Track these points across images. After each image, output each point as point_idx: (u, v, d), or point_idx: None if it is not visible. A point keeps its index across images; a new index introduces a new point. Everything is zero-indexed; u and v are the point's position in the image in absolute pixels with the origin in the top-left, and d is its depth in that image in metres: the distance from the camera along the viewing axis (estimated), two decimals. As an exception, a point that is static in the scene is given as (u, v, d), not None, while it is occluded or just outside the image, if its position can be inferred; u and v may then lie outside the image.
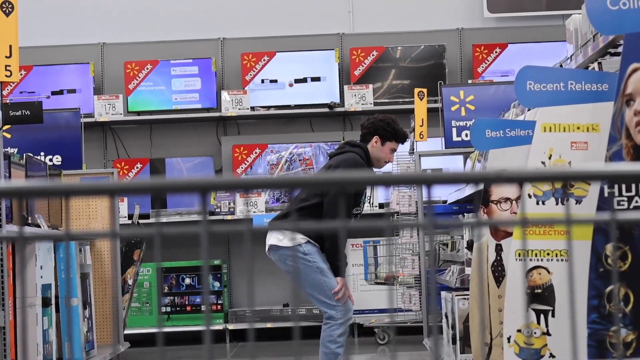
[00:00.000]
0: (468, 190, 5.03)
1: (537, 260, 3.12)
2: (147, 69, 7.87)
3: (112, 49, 8.07)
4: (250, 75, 7.91)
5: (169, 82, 7.89)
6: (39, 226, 5.08)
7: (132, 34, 8.09)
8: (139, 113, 7.91)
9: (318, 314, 6.65)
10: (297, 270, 4.24)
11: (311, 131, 8.04)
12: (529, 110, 3.75)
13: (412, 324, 6.70)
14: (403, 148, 4.97)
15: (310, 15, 8.15)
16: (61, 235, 1.44)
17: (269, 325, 7.35)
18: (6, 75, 4.10)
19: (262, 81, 7.90)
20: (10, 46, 4.11)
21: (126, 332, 6.34)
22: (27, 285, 4.56)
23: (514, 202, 3.64)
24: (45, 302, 4.74)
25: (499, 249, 3.58)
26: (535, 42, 7.87)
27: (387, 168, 4.70)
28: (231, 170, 7.83)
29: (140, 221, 7.00)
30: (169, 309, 7.46)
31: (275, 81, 7.90)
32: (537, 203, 3.14)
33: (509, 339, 3.22)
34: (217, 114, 7.83)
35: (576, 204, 3.04)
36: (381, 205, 7.69)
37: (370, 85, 7.82)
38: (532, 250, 3.11)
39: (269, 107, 7.89)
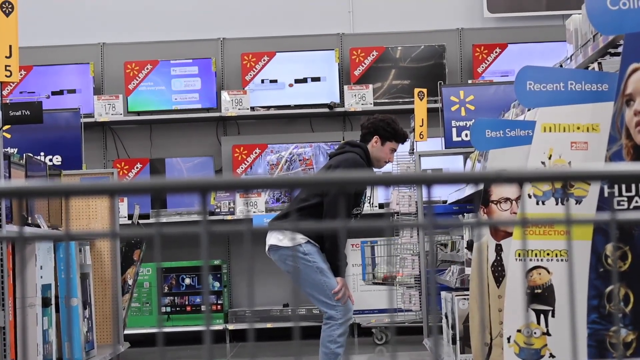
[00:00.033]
0: (468, 190, 5.03)
1: (537, 260, 3.12)
2: (147, 69, 7.87)
3: (112, 49, 8.07)
4: (250, 75, 7.91)
5: (169, 82, 7.89)
6: (38, 226, 5.08)
7: (132, 34, 8.09)
8: (138, 113, 7.91)
9: (318, 314, 6.65)
10: (297, 270, 4.24)
11: (311, 131, 8.04)
12: (529, 110, 3.75)
13: (410, 324, 6.70)
14: (403, 148, 4.97)
15: (310, 15, 8.15)
16: (61, 235, 1.44)
17: (269, 325, 7.35)
18: (6, 75, 4.10)
19: (262, 81, 7.90)
20: (10, 46, 4.11)
21: (126, 332, 6.34)
22: (27, 286, 4.55)
23: (514, 202, 3.64)
24: (45, 302, 4.74)
25: (499, 249, 3.58)
26: (535, 42, 7.87)
27: (387, 168, 4.70)
28: (231, 170, 7.83)
29: (140, 221, 7.00)
30: (169, 309, 7.46)
31: (275, 81, 7.90)
32: (537, 203, 3.14)
33: (509, 339, 3.22)
34: (217, 114, 7.83)
35: (576, 204, 3.04)
36: (381, 206, 7.68)
37: (370, 86, 7.82)
38: (532, 251, 3.11)
39: (269, 107, 7.89)
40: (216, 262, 7.48)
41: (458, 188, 5.38)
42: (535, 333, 3.13)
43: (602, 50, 3.35)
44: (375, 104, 7.79)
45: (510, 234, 3.50)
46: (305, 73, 7.89)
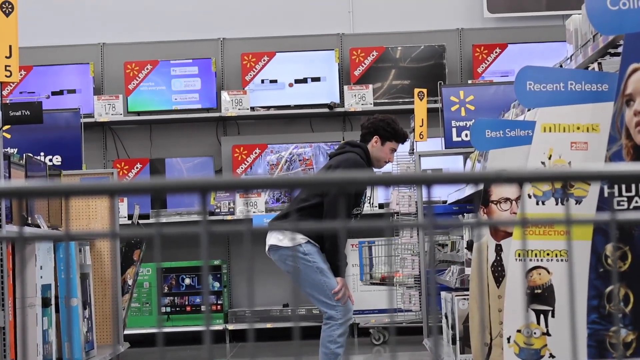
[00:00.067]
0: (468, 190, 5.03)
1: (537, 260, 3.12)
2: (147, 69, 7.87)
3: (112, 49, 8.07)
4: (250, 75, 7.91)
5: (169, 82, 7.89)
6: (38, 226, 5.08)
7: (132, 34, 8.09)
8: (138, 113, 7.91)
9: (318, 314, 6.64)
10: (297, 271, 4.24)
11: (311, 131, 8.04)
12: (528, 110, 3.75)
13: (408, 324, 6.70)
14: (403, 148, 4.97)
15: (310, 15, 8.15)
16: (61, 235, 1.44)
17: (268, 325, 7.35)
18: (6, 76, 4.09)
19: (262, 81, 7.90)
20: (10, 46, 4.11)
21: (126, 332, 6.34)
22: (27, 286, 4.55)
23: (513, 202, 3.64)
24: (45, 303, 4.74)
25: (498, 249, 3.58)
26: (535, 42, 7.87)
27: (387, 168, 4.70)
28: (231, 170, 7.83)
29: (140, 221, 6.99)
30: (168, 309, 7.46)
31: (275, 81, 7.90)
32: (537, 203, 3.14)
33: (508, 339, 3.22)
34: (217, 114, 7.83)
35: (576, 204, 3.03)
36: (381, 206, 7.68)
37: (370, 86, 7.81)
38: (532, 251, 3.11)
39: (268, 108, 7.89)
40: (216, 262, 7.48)
41: (458, 188, 5.37)
42: (535, 333, 3.13)
43: (602, 51, 3.35)
44: (375, 104, 7.79)
45: (510, 234, 3.50)
46: (305, 73, 7.89)
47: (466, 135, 6.39)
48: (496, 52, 7.93)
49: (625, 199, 2.83)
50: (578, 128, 3.14)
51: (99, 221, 6.01)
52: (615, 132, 2.85)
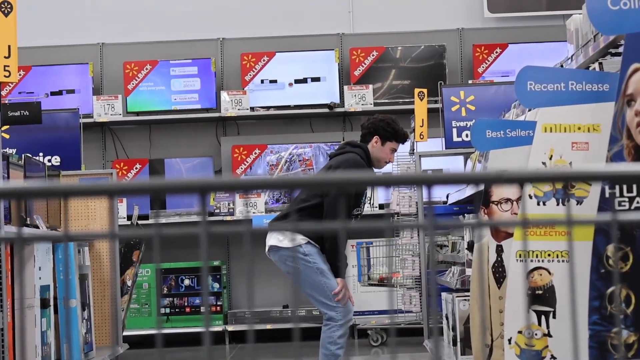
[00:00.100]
0: (468, 190, 5.02)
1: (538, 261, 3.11)
2: (147, 69, 7.86)
3: (111, 49, 8.05)
4: (250, 75, 7.90)
5: (169, 82, 7.88)
6: (37, 227, 5.06)
7: (131, 34, 8.08)
8: (138, 113, 7.90)
9: (318, 316, 6.63)
10: (297, 271, 4.23)
11: (311, 131, 8.02)
12: (529, 110, 3.74)
13: (407, 326, 6.69)
14: (403, 149, 4.96)
15: (310, 15, 8.14)
16: (60, 236, 1.43)
17: (268, 326, 7.33)
18: (5, 76, 4.08)
19: (262, 81, 7.89)
20: (9, 46, 4.10)
21: (125, 333, 6.33)
22: (26, 287, 4.54)
23: (514, 202, 3.63)
24: (44, 304, 4.72)
25: (499, 249, 3.57)
26: (535, 42, 7.86)
27: (387, 168, 4.69)
28: (231, 170, 7.81)
29: (139, 222, 6.98)
30: (168, 310, 7.45)
31: (275, 81, 7.89)
32: (538, 204, 3.13)
33: (509, 340, 3.20)
34: (216, 115, 7.82)
35: (577, 204, 3.02)
36: (381, 206, 7.67)
37: (370, 86, 7.80)
38: (533, 251, 3.10)
39: (268, 108, 7.88)
40: (216, 263, 7.47)
41: (458, 189, 5.36)
42: (536, 334, 3.12)
43: (603, 50, 3.34)
44: (376, 104, 7.78)
45: (511, 235, 3.49)
46: (305, 73, 7.88)
47: (467, 136, 6.38)
48: (497, 52, 7.92)
49: (626, 199, 2.82)
50: (579, 128, 3.13)
51: (98, 222, 6.00)
52: (616, 133, 2.84)
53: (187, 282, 7.48)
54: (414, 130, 6.52)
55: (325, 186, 1.41)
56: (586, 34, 3.57)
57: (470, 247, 4.48)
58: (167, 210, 7.64)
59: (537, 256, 3.11)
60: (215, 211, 7.65)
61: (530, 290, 3.08)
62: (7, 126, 5.50)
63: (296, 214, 4.25)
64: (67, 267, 5.16)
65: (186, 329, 7.38)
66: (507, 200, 3.64)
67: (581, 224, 2.65)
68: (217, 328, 7.36)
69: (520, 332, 3.19)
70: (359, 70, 7.92)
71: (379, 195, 7.69)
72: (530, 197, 3.13)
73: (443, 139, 6.59)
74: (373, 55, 7.93)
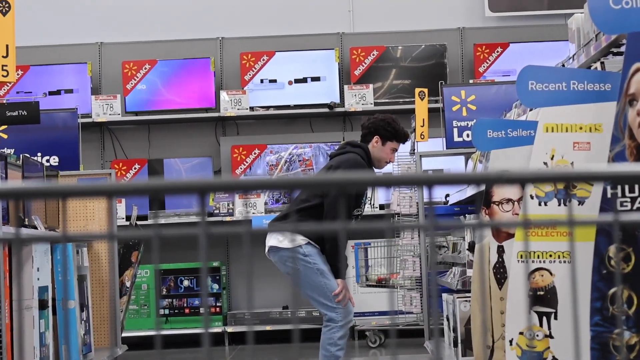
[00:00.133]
0: (469, 191, 5.00)
1: (540, 262, 3.10)
2: (145, 68, 7.84)
3: (109, 49, 8.04)
4: (250, 75, 7.88)
5: (168, 82, 7.86)
6: (35, 228, 5.04)
7: (130, 34, 8.06)
8: (136, 113, 7.88)
9: (318, 317, 6.61)
10: (297, 272, 4.21)
11: (311, 131, 8.01)
12: (530, 110, 3.72)
13: (405, 327, 6.67)
14: (404, 149, 4.95)
15: (309, 14, 8.12)
16: (58, 237, 1.41)
17: (268, 327, 7.31)
18: (3, 75, 4.07)
19: (262, 81, 7.87)
20: (7, 46, 4.08)
21: (124, 334, 6.31)
22: (24, 288, 4.52)
23: (515, 203, 3.61)
24: (42, 305, 4.71)
25: (500, 250, 3.55)
26: (537, 41, 7.84)
27: (388, 169, 4.67)
28: (230, 171, 7.80)
29: (138, 223, 6.96)
30: (167, 311, 7.43)
31: (275, 81, 7.87)
32: (539, 204, 3.12)
33: (511, 341, 3.19)
34: (216, 114, 7.80)
35: (579, 205, 3.01)
36: (382, 207, 7.65)
37: (371, 85, 7.79)
38: (535, 252, 3.08)
39: (268, 107, 7.86)
40: (215, 264, 7.45)
41: (459, 189, 5.34)
42: (537, 335, 3.10)
43: (605, 50, 3.33)
44: (376, 104, 7.76)
45: (512, 236, 3.47)
46: (305, 73, 7.86)
47: (467, 136, 6.36)
48: (498, 52, 7.91)
49: (628, 199, 2.80)
50: (580, 128, 3.11)
51: (97, 222, 5.98)
52: (618, 132, 2.82)
53: (186, 283, 7.46)
54: (414, 130, 6.51)
55: (325, 186, 1.39)
56: (588, 33, 3.55)
57: (471, 247, 4.46)
58: (166, 211, 7.62)
59: (538, 257, 3.09)
60: (215, 212, 7.63)
61: (532, 291, 3.07)
62: (5, 126, 5.48)
63: (296, 215, 4.24)
64: (66, 268, 5.14)
65: (185, 330, 7.36)
66: (509, 200, 3.62)
67: (583, 225, 2.63)
68: (217, 329, 7.35)
69: (521, 333, 3.17)
70: (359, 69, 7.90)
71: (380, 196, 7.68)
72: (532, 197, 3.11)
73: (444, 139, 6.58)
74: (373, 54, 7.91)
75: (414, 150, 6.51)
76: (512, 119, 4.27)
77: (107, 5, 8.13)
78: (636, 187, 2.79)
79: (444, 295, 5.19)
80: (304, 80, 7.86)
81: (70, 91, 7.81)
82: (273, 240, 4.23)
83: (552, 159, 3.12)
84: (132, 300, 7.12)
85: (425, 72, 7.84)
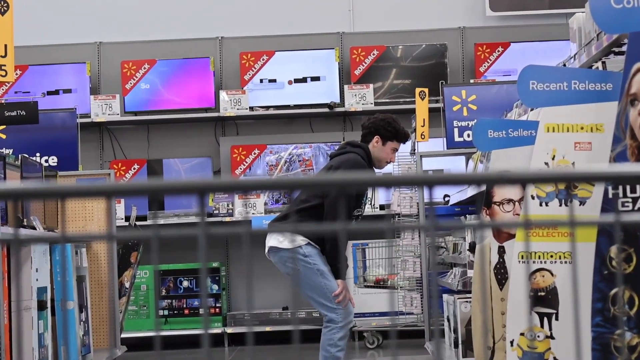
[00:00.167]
0: (470, 191, 4.99)
1: (541, 262, 3.08)
2: (145, 68, 7.83)
3: (108, 48, 8.02)
4: (249, 74, 7.87)
5: (167, 81, 7.85)
6: (34, 228, 5.03)
7: (129, 33, 8.05)
8: (136, 113, 7.87)
9: (318, 317, 6.60)
10: (297, 273, 4.20)
11: (311, 131, 7.99)
12: (531, 110, 3.71)
13: (406, 327, 6.66)
14: (404, 149, 4.94)
15: (309, 14, 8.11)
16: (57, 237, 1.40)
17: (268, 328, 7.30)
18: (1, 75, 4.06)
19: (261, 81, 7.86)
20: (6, 45, 4.07)
21: (123, 335, 6.30)
22: (23, 288, 4.51)
23: (516, 203, 3.60)
24: (41, 306, 4.69)
25: (501, 251, 3.54)
26: (538, 41, 7.83)
27: (388, 169, 4.66)
28: (230, 171, 7.78)
29: (137, 223, 6.94)
30: (166, 312, 7.42)
31: (275, 81, 7.86)
32: (540, 204, 3.10)
33: (512, 342, 3.17)
34: (215, 114, 7.79)
35: (580, 205, 3.00)
36: (382, 207, 7.64)
37: (371, 85, 7.78)
38: (535, 253, 3.07)
39: (268, 107, 7.85)
40: (214, 265, 7.44)
41: (460, 189, 5.33)
42: (538, 336, 3.09)
43: (606, 49, 3.31)
44: (376, 103, 7.75)
45: (513, 236, 3.46)
46: (305, 72, 7.85)
47: (468, 136, 6.35)
48: (498, 51, 7.89)
49: (629, 200, 2.79)
50: (582, 128, 3.10)
51: (96, 223, 5.96)
52: (620, 132, 2.81)
53: (185, 283, 7.45)
54: (415, 130, 6.50)
55: (325, 187, 1.38)
56: (589, 33, 3.54)
57: (472, 248, 4.45)
58: (165, 211, 7.61)
59: (539, 257, 3.08)
60: (214, 212, 7.61)
61: (533, 292, 3.05)
62: (4, 126, 5.47)
63: (296, 215, 4.22)
64: (65, 268, 5.13)
65: (185, 331, 7.35)
66: (509, 201, 3.61)
67: (584, 225, 2.62)
68: (216, 330, 7.33)
69: (522, 334, 3.16)
70: (360, 69, 7.89)
71: (380, 196, 7.67)
72: (533, 197, 3.10)
73: (444, 139, 6.57)
74: (373, 54, 7.90)
75: (414, 150, 6.50)
76: (513, 119, 4.26)
77: (106, 5, 8.12)
78: (637, 187, 2.78)
79: (445, 296, 5.18)
80: (304, 80, 7.85)
81: (69, 91, 7.79)
82: (273, 240, 4.22)
83: (553, 159, 3.11)
84: (132, 301, 7.10)
85: (426, 71, 7.83)
